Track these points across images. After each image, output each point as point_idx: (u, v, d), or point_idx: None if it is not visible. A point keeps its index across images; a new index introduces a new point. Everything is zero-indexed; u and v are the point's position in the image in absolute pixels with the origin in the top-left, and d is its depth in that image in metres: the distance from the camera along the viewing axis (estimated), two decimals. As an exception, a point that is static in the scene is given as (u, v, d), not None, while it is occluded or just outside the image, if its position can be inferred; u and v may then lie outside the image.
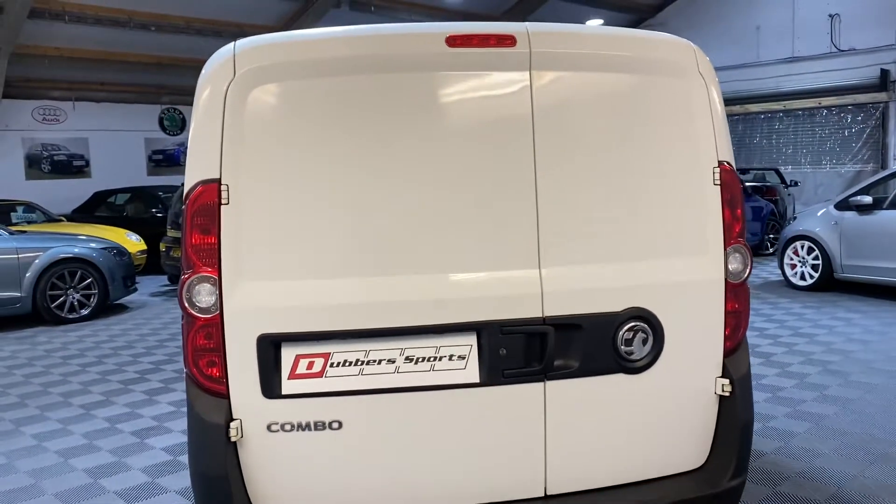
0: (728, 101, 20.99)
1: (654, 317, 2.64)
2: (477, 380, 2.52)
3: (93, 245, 9.73)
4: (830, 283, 9.53)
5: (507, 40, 2.53)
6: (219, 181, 2.41)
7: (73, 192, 16.72)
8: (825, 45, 19.04)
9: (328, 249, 2.47)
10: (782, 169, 19.00)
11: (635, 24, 22.55)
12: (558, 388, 2.59)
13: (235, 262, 2.43)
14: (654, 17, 22.31)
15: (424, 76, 2.50)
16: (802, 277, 9.83)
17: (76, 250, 9.45)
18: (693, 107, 2.70)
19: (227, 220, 2.42)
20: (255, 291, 2.44)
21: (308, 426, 2.47)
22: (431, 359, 2.51)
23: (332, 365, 2.47)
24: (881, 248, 8.82)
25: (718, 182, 2.72)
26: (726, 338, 2.76)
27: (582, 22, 20.66)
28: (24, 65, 15.48)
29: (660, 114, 2.68)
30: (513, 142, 2.55)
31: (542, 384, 2.57)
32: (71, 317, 9.33)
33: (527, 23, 2.59)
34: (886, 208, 8.88)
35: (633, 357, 2.63)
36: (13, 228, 10.55)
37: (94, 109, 17.79)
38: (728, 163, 2.75)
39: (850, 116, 19.03)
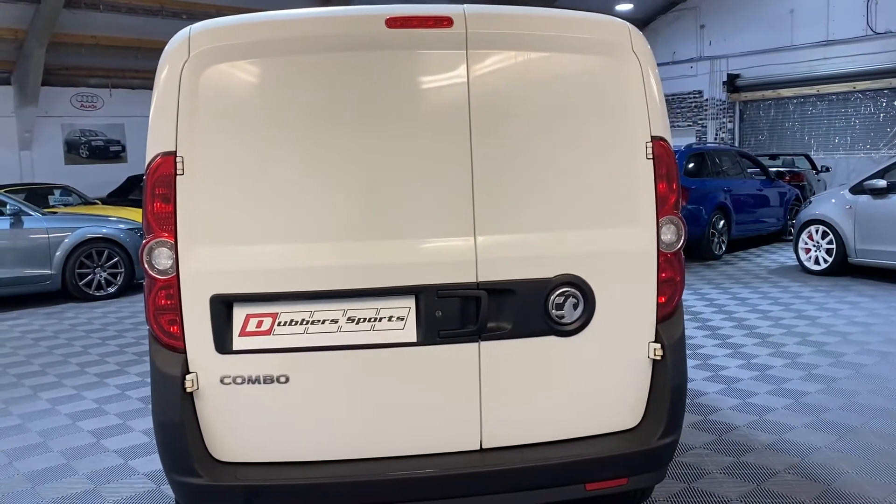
0: (760, 86, 20.83)
1: (585, 283, 2.79)
2: (414, 339, 2.71)
3: (121, 226, 10.12)
4: (845, 267, 9.47)
5: (445, 21, 2.69)
6: (175, 153, 2.63)
7: (110, 176, 17.29)
8: (861, 28, 18.66)
9: (277, 217, 2.67)
10: (814, 154, 18.73)
11: (666, 9, 22.34)
12: (492, 349, 2.76)
13: (190, 229, 2.65)
14: (685, 2, 22.06)
15: (366, 55, 2.68)
16: (817, 262, 9.79)
17: (104, 230, 9.86)
18: (626, 85, 2.83)
19: (183, 190, 2.64)
20: (208, 255, 2.65)
21: (258, 380, 2.68)
22: (372, 319, 2.70)
23: (279, 324, 2.68)
24: (895, 232, 8.74)
25: (651, 156, 2.84)
26: (660, 305, 2.90)
27: (612, 8, 20.54)
28: (61, 53, 16.04)
29: (593, 91, 2.82)
30: (450, 117, 2.71)
31: (476, 344, 2.74)
32: (98, 294, 9.75)
33: (465, 5, 2.75)
34: (901, 192, 8.78)
35: (563, 321, 2.78)
36: (46, 210, 11.01)
37: (129, 96, 18.34)
38: (663, 138, 2.87)
39: (885, 101, 18.66)
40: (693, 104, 22.53)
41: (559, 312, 2.77)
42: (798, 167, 16.89)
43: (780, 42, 20.18)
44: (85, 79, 17.74)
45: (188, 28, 2.72)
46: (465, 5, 2.74)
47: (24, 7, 14.65)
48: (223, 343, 2.67)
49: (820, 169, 17.30)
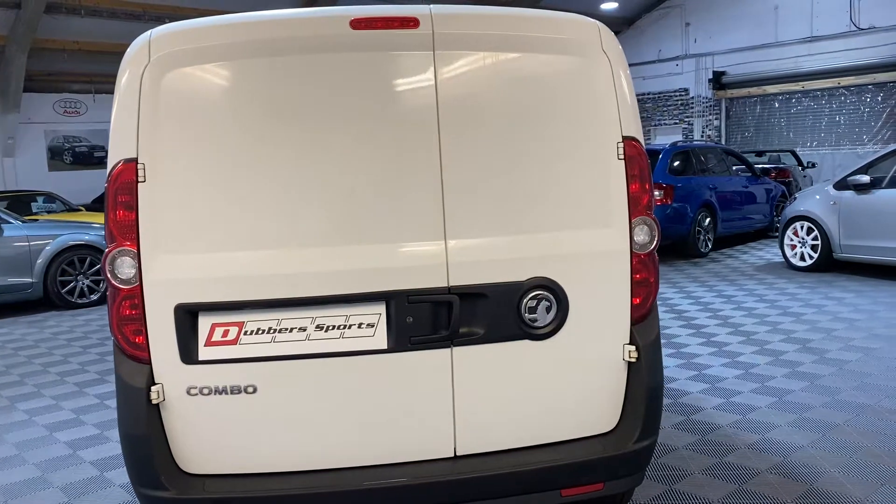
0: (746, 83, 20.91)
1: (558, 286, 2.75)
2: (385, 346, 2.66)
3: (102, 233, 10.02)
4: (830, 263, 9.48)
5: (410, 22, 2.65)
6: (136, 160, 2.58)
7: (95, 182, 17.17)
8: (844, 24, 18.76)
9: (241, 223, 2.62)
10: (800, 150, 18.79)
11: (651, 8, 22.38)
12: (465, 354, 2.71)
13: (153, 237, 2.59)
14: (669, 0, 22.10)
15: (330, 57, 2.64)
16: (802, 258, 9.80)
17: (86, 237, 9.76)
18: (596, 85, 2.79)
19: (144, 197, 2.58)
20: (171, 264, 2.60)
21: (224, 390, 2.63)
22: (341, 327, 2.65)
23: (245, 333, 2.63)
24: (879, 227, 8.76)
25: (623, 157, 2.81)
26: (634, 307, 2.86)
27: (597, 7, 20.56)
28: (43, 59, 15.92)
29: (563, 91, 2.78)
30: (418, 120, 2.67)
31: (448, 350, 2.70)
32: (81, 302, 9.65)
33: (432, 5, 2.71)
34: (884, 187, 8.80)
35: (537, 324, 2.74)
36: (27, 217, 10.91)
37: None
38: (634, 138, 2.84)
39: (869, 96, 18.75)
40: (679, 102, 22.58)
41: (532, 316, 2.73)
42: (784, 163, 16.93)
43: (764, 39, 20.25)
44: (68, 84, 17.62)
45: (149, 32, 2.66)
46: (431, 6, 2.70)
47: (4, 13, 14.53)
48: (189, 353, 2.61)
49: (806, 165, 17.35)
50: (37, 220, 11.02)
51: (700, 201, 11.44)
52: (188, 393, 2.63)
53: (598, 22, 2.87)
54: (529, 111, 2.76)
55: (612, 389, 2.86)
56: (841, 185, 9.26)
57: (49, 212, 13.77)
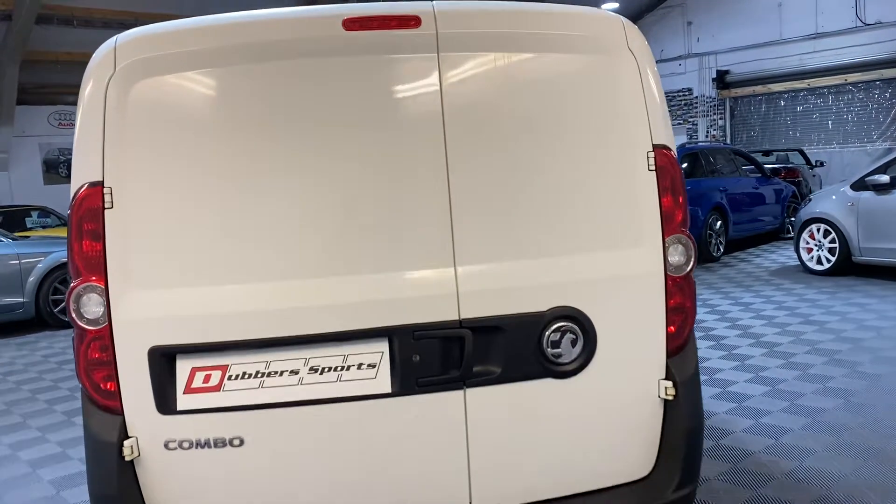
0: (750, 82, 20.57)
1: (584, 316, 2.43)
2: (389, 390, 2.34)
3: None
4: (849, 266, 9.14)
5: (411, 21, 2.34)
6: (102, 183, 2.26)
7: (91, 195, 16.83)
8: (850, 20, 18.43)
9: (223, 254, 2.31)
10: (807, 149, 18.45)
11: (652, 7, 22.07)
12: (480, 396, 2.39)
13: (123, 270, 2.28)
14: (671, -1, 21.80)
15: (320, 63, 2.32)
16: (819, 262, 9.45)
17: (78, 254, 9.43)
18: (622, 87, 2.48)
19: (112, 226, 2.27)
20: (144, 300, 2.28)
21: (207, 443, 2.31)
22: (339, 368, 2.34)
23: (230, 378, 2.31)
24: (900, 228, 8.42)
25: (654, 168, 2.49)
26: (669, 337, 2.54)
27: (597, 7, 20.25)
28: (36, 71, 15.63)
29: (585, 96, 2.47)
30: (421, 131, 2.36)
31: (461, 392, 2.38)
32: (74, 321, 9.33)
33: (434, 1, 2.39)
34: (905, 187, 8.47)
35: (561, 360, 2.42)
36: (21, 233, 10.61)
37: (108, 113, 17.90)
38: (666, 147, 2.52)
39: (877, 92, 18.42)
40: (683, 102, 22.26)
41: (556, 351, 2.41)
42: (792, 163, 16.60)
43: (768, 36, 19.93)
44: (62, 96, 17.31)
45: (115, 37, 2.35)
46: (434, 1, 2.38)
47: (-5, 25, 14.26)
48: (166, 402, 2.30)
49: (814, 164, 17.01)
50: (29, 236, 10.71)
51: (711, 204, 11.11)
52: (166, 447, 2.32)
53: (620, 17, 2.55)
54: (547, 119, 2.44)
55: (647, 431, 2.54)
56: (859, 185, 8.92)
57: (44, 226, 13.45)
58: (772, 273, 9.97)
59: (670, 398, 2.51)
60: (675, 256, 2.53)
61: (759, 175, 12.83)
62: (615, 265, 2.48)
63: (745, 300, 8.33)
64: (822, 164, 17.21)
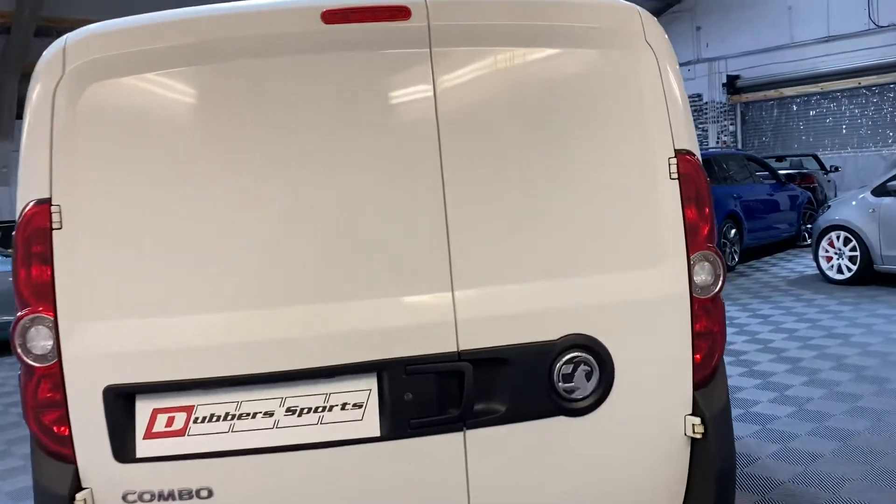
0: (761, 86, 20.25)
1: (600, 345, 2.15)
2: (377, 433, 2.06)
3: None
4: (870, 275, 8.79)
5: (400, 13, 2.06)
6: (50, 201, 1.99)
7: (94, 209, 16.62)
8: (863, 22, 18.11)
9: (188, 280, 2.03)
10: (821, 154, 18.10)
11: (660, 12, 21.79)
12: (482, 439, 2.10)
13: (74, 299, 2.01)
14: (680, 3, 21.52)
15: (297, 61, 2.05)
16: (839, 270, 9.11)
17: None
18: (640, 85, 2.20)
19: (62, 248, 2.00)
20: (99, 333, 2.01)
21: (171, 495, 2.03)
22: (320, 409, 2.05)
23: (196, 420, 2.03)
24: (925, 235, 8.09)
25: (676, 176, 2.21)
26: (696, 366, 2.25)
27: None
28: (37, 84, 15.43)
29: (597, 95, 2.20)
30: (412, 138, 2.08)
31: (460, 434, 2.10)
32: (70, 339, 9.09)
33: None
34: (929, 192, 8.14)
35: (575, 395, 2.14)
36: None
37: (111, 126, 17.71)
38: (689, 152, 2.24)
39: (892, 95, 18.10)
40: (693, 109, 21.94)
41: (568, 385, 2.13)
42: (806, 168, 16.26)
43: (779, 40, 19.62)
44: (64, 110, 17.12)
45: (65, 36, 2.08)
46: (426, -10, 2.10)
47: (-6, 38, 14.10)
48: (124, 448, 2.02)
49: (829, 169, 16.66)
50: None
51: (724, 212, 10.78)
52: (125, 500, 2.05)
53: (638, 7, 2.26)
54: (555, 123, 2.16)
55: (671, 474, 2.25)
56: (880, 190, 8.59)
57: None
58: (790, 283, 9.64)
59: (698, 436, 2.22)
60: (702, 275, 2.24)
61: (774, 181, 12.52)
62: (634, 287, 2.20)
63: (763, 312, 8.00)
64: (836, 170, 16.86)
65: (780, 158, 17.30)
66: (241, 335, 2.03)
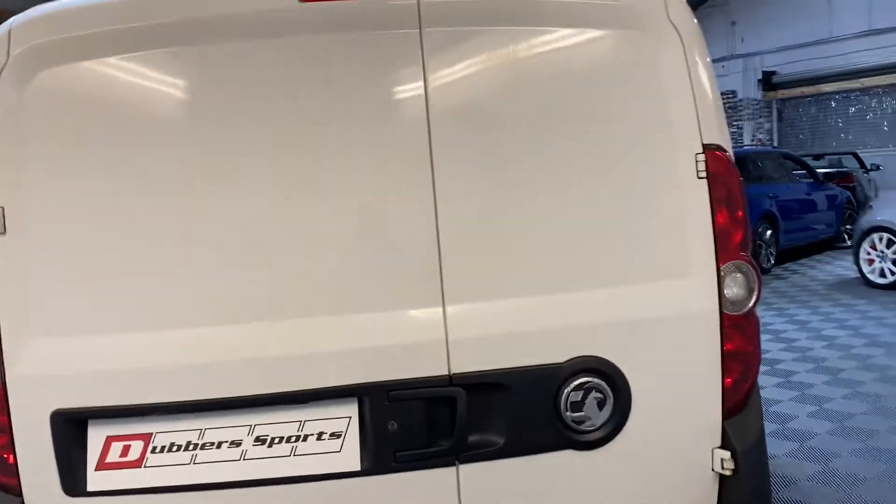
0: (799, 83, 19.63)
1: (614, 368, 1.88)
2: (358, 467, 1.81)
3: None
4: (916, 279, 8.36)
5: None
6: None
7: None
8: (907, 15, 17.43)
9: (146, 291, 1.81)
10: (861, 152, 17.48)
11: (694, 7, 21.22)
12: (477, 474, 1.85)
13: (19, 313, 1.80)
14: (713, -2, 20.99)
15: (268, 45, 1.81)
16: (882, 274, 8.67)
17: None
18: (662, 71, 1.93)
19: (6, 256, 1.79)
20: (46, 351, 1.80)
21: (126, 534, 1.80)
22: (293, 439, 1.81)
23: (154, 450, 1.80)
24: (974, 237, 7.64)
25: (705, 174, 1.93)
26: (726, 392, 1.97)
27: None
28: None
29: (612, 82, 1.93)
30: (399, 131, 1.84)
31: (453, 469, 1.84)
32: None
33: None
34: (979, 192, 7.68)
35: (585, 426, 1.87)
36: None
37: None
38: (720, 147, 1.96)
39: (937, 91, 17.40)
40: (727, 105, 21.37)
41: (577, 414, 1.86)
42: (846, 167, 15.69)
43: (817, 35, 18.99)
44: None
45: (11, 19, 1.86)
46: (415, -36, 1.85)
47: None
48: (73, 480, 1.81)
49: (870, 167, 16.07)
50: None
51: (760, 212, 10.36)
52: (75, 538, 1.81)
53: (659, -20, 1.98)
54: (564, 115, 1.90)
55: (697, 516, 1.96)
56: (926, 190, 8.15)
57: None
58: (829, 287, 9.21)
59: (728, 473, 1.93)
60: (734, 289, 1.96)
61: (811, 180, 12.05)
62: (654, 302, 1.92)
63: (800, 318, 7.61)
64: (877, 168, 16.25)
65: (817, 157, 16.73)
66: (206, 355, 1.80)
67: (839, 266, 10.72)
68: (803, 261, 11.54)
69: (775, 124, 20.65)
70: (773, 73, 20.29)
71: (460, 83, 1.86)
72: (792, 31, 19.41)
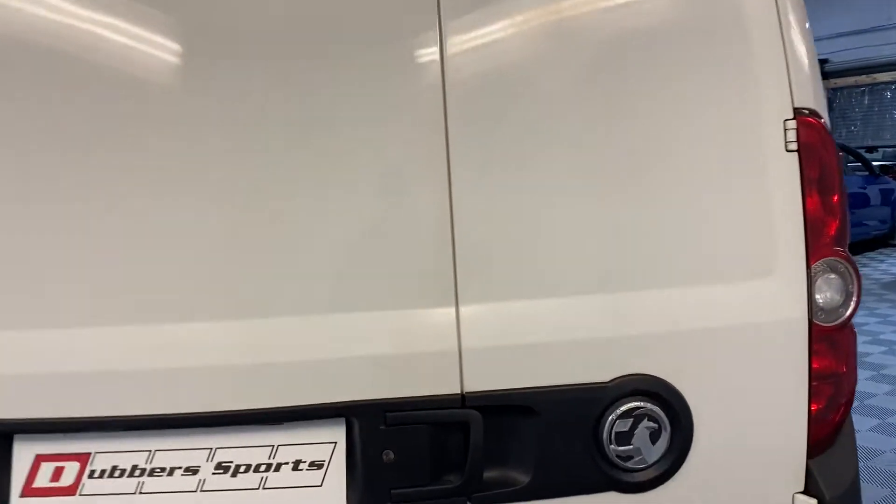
0: (852, 71, 18.85)
1: (672, 391, 1.49)
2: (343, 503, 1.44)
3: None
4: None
5: None
6: None
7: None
8: (973, 1, 16.57)
9: (83, 275, 1.46)
10: (919, 145, 16.74)
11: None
12: None
13: None
14: (764, -19, 20.23)
15: None
16: (945, 274, 8.10)
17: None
18: (744, 19, 1.52)
19: None
20: None
21: (56, 576, 1.46)
22: (262, 468, 1.45)
23: (92, 474, 1.46)
24: None
25: (795, 146, 1.52)
26: (813, 421, 1.57)
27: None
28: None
29: (680, 40, 1.54)
30: (407, 99, 1.46)
31: (463, 512, 1.46)
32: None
33: None
34: None
35: (633, 464, 1.49)
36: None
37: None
38: (814, 113, 1.55)
39: None
40: (775, 94, 20.69)
41: (624, 448, 1.48)
42: (901, 160, 14.98)
43: (874, 21, 18.20)
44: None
45: None
46: None
47: None
48: (-5, 508, 1.47)
49: (927, 162, 15.32)
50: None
51: (810, 205, 9.81)
52: (-5, 578, 1.48)
53: None
54: (613, 73, 1.52)
55: (772, 578, 1.56)
56: None
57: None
58: (885, 286, 8.65)
59: (813, 525, 1.53)
60: (827, 292, 1.56)
61: (866, 173, 11.42)
62: (726, 307, 1.53)
63: (855, 320, 7.08)
64: (935, 162, 15.50)
65: (871, 149, 16.01)
66: (159, 360, 1.44)
67: (895, 265, 10.13)
68: (855, 258, 10.93)
69: (826, 114, 19.93)
70: (826, 60, 19.49)
71: (485, 49, 1.48)
72: (846, 18, 18.59)
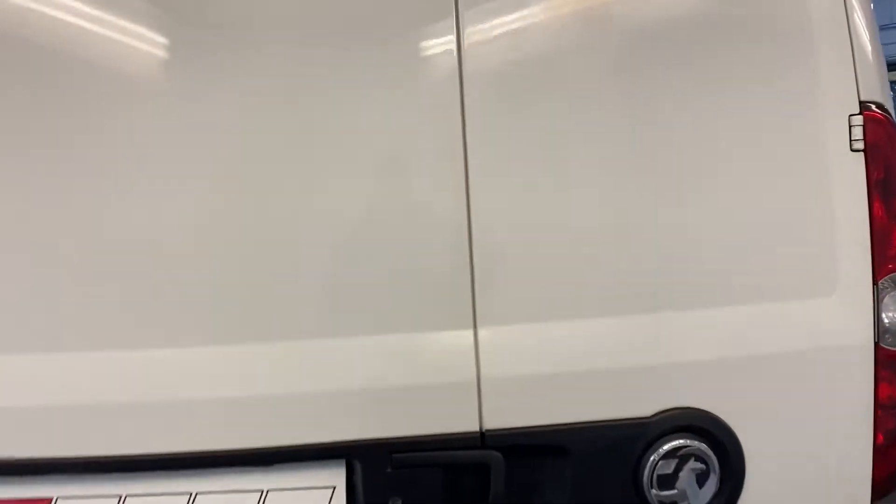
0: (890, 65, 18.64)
1: (722, 427, 1.33)
2: (343, 562, 1.28)
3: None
4: None
5: None
6: None
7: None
8: None
9: (51, 295, 1.30)
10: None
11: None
12: None
13: None
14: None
15: None
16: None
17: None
18: (806, 4, 1.36)
19: None
20: None
21: None
22: (251, 515, 1.28)
23: (56, 522, 1.29)
24: None
25: (861, 145, 1.36)
26: (878, 457, 1.42)
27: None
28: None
29: (726, 18, 1.39)
30: (421, 95, 1.30)
31: (482, 571, 1.29)
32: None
33: None
34: None
35: (677, 511, 1.31)
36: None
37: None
38: (881, 106, 1.40)
39: None
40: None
41: (668, 493, 1.33)
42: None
43: (878, 20, 18.01)
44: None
45: None
46: None
47: None
48: (-56, 561, 1.30)
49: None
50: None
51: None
52: None
53: None
54: (652, 62, 1.38)
55: None
56: None
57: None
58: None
59: (881, 577, 1.36)
60: (895, 313, 1.38)
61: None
62: (782, 330, 1.38)
63: None
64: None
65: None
66: (133, 392, 1.28)
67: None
68: None
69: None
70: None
71: (508, 38, 1.33)
72: (891, 8, 18.38)
